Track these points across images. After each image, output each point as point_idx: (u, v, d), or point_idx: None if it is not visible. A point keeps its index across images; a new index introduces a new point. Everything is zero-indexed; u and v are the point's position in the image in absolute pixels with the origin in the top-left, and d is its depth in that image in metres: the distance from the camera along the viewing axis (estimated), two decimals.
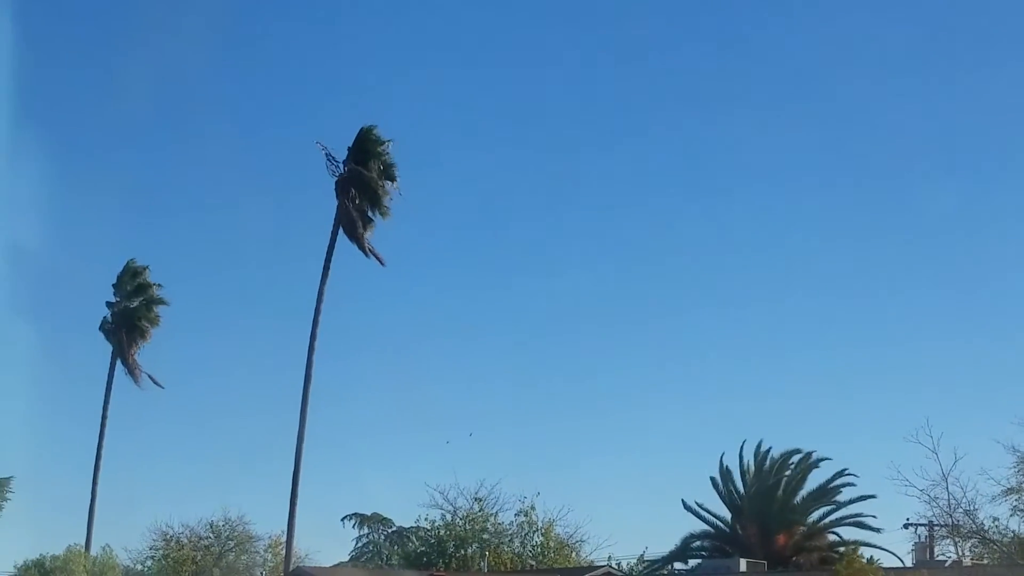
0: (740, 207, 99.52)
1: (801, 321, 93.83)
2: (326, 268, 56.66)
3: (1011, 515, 42.51)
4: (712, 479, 52.62)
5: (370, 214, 57.41)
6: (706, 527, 52.80)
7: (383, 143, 57.85)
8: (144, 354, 64.38)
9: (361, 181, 56.82)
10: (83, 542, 57.49)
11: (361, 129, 57.81)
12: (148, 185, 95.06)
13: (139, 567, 61.69)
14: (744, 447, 52.43)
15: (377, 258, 57.62)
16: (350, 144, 57.63)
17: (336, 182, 56.98)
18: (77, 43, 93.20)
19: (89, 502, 61.27)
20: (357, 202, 56.95)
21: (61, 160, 77.75)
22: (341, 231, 57.01)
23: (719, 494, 52.57)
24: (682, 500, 52.91)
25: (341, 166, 57.16)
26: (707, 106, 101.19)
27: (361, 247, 57.10)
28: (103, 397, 62.69)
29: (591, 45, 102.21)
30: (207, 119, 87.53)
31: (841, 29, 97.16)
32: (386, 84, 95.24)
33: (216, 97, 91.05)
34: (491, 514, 63.73)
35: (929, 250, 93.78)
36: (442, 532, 63.77)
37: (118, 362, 63.62)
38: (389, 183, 57.56)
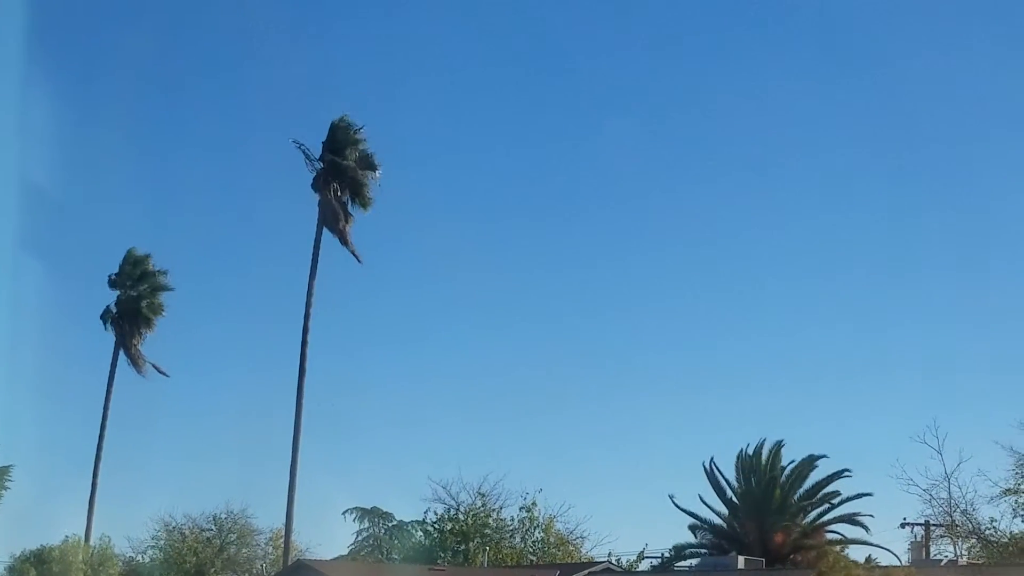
0: (735, 198, 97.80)
1: (810, 312, 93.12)
2: (314, 263, 56.81)
3: (1013, 516, 42.10)
4: (710, 476, 52.44)
5: (350, 208, 57.28)
6: (705, 525, 52.62)
7: (356, 129, 57.79)
8: (147, 344, 64.36)
9: (339, 170, 56.74)
10: (83, 533, 57.42)
11: (332, 122, 58.00)
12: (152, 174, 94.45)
13: (141, 557, 61.69)
14: (743, 444, 52.47)
15: (354, 255, 57.52)
16: (324, 139, 57.74)
17: (315, 177, 56.92)
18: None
19: (90, 492, 61.28)
20: (338, 194, 56.92)
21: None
22: (326, 227, 56.90)
23: (717, 492, 52.41)
24: (672, 501, 52.57)
25: (319, 162, 57.04)
26: (699, 92, 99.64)
27: (343, 241, 57.02)
28: (105, 386, 62.71)
29: (585, 30, 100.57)
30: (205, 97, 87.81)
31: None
32: (377, 87, 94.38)
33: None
34: (493, 509, 63.64)
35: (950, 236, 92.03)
36: (445, 527, 63.65)
37: (120, 352, 63.57)
38: (370, 172, 57.47)
